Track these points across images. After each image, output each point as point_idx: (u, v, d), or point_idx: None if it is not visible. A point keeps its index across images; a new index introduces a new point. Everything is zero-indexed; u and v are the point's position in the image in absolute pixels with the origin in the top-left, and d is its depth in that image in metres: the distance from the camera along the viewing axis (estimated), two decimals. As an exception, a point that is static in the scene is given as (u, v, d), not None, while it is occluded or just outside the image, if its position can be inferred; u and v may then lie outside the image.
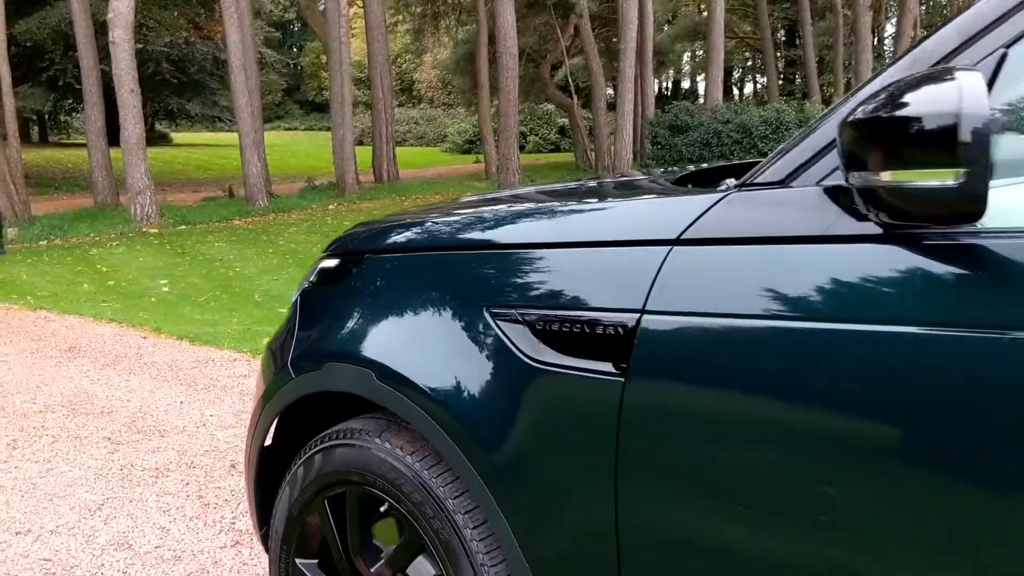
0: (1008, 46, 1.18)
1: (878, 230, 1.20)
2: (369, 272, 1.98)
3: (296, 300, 2.23)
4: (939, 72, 1.07)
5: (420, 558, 1.83)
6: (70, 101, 33.20)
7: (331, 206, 17.78)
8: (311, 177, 22.63)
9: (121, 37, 13.91)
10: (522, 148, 34.50)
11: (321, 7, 20.36)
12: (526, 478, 1.59)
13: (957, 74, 1.04)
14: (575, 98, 26.87)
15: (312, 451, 2.00)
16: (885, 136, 1.09)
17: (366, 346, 1.86)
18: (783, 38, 41.81)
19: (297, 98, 63.20)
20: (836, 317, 1.22)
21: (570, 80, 26.10)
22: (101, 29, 15.82)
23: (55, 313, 7.68)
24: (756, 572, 1.32)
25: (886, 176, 1.09)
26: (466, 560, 1.70)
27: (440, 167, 32.12)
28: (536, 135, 39.54)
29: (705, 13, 29.17)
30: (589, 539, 1.52)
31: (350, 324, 1.94)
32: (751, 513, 1.31)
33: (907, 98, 1.07)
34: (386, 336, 1.85)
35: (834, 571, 1.23)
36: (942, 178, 1.04)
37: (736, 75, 54.02)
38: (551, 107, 36.62)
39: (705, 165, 2.41)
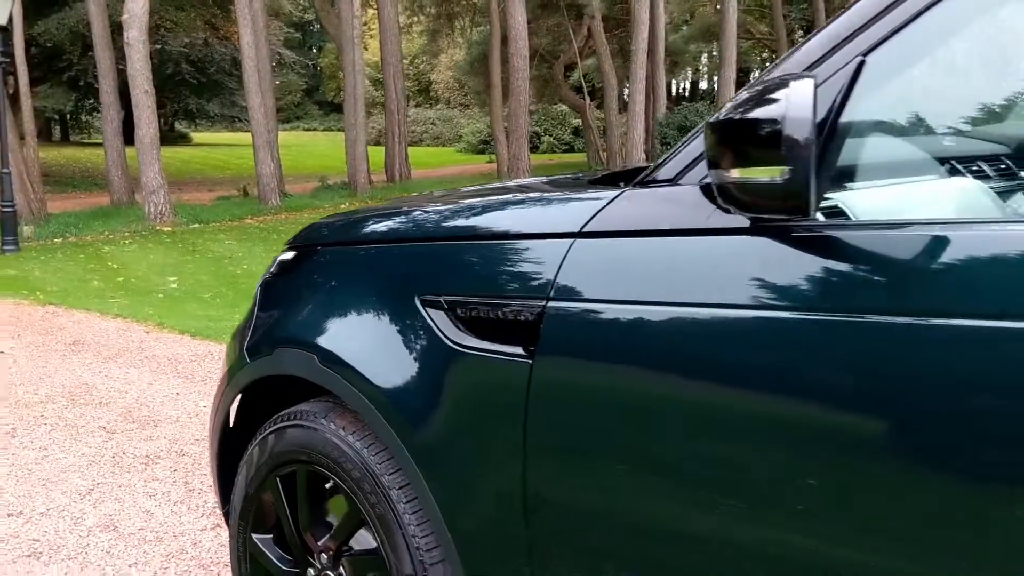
0: (865, 54, 1.29)
1: (746, 223, 1.31)
2: (318, 264, 2.12)
3: (257, 290, 2.36)
4: (778, 80, 1.18)
5: (361, 531, 1.95)
6: (90, 101, 33.55)
7: (343, 205, 17.96)
8: (324, 177, 22.84)
9: (136, 38, 14.13)
10: (536, 148, 34.62)
11: (336, 9, 20.53)
12: (447, 454, 1.70)
13: (792, 82, 1.15)
14: (588, 99, 26.97)
15: (266, 432, 2.13)
16: (733, 137, 1.20)
17: (311, 332, 1.99)
18: (800, 39, 41.71)
19: (316, 99, 63.55)
20: (711, 302, 1.33)
21: (583, 81, 26.19)
22: (118, 30, 16.03)
23: (63, 308, 7.86)
24: (648, 537, 1.43)
25: (735, 173, 1.20)
26: (399, 532, 1.82)
27: (452, 167, 32.27)
28: (550, 135, 39.64)
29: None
30: (501, 509, 1.63)
31: (299, 312, 2.07)
32: (640, 481, 1.43)
33: (751, 103, 1.18)
34: (329, 322, 1.97)
35: (713, 533, 1.34)
36: (771, 175, 1.15)
37: (754, 76, 53.95)
38: (565, 108, 36.71)
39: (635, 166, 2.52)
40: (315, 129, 59.45)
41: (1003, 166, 1.60)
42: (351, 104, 19.29)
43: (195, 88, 33.80)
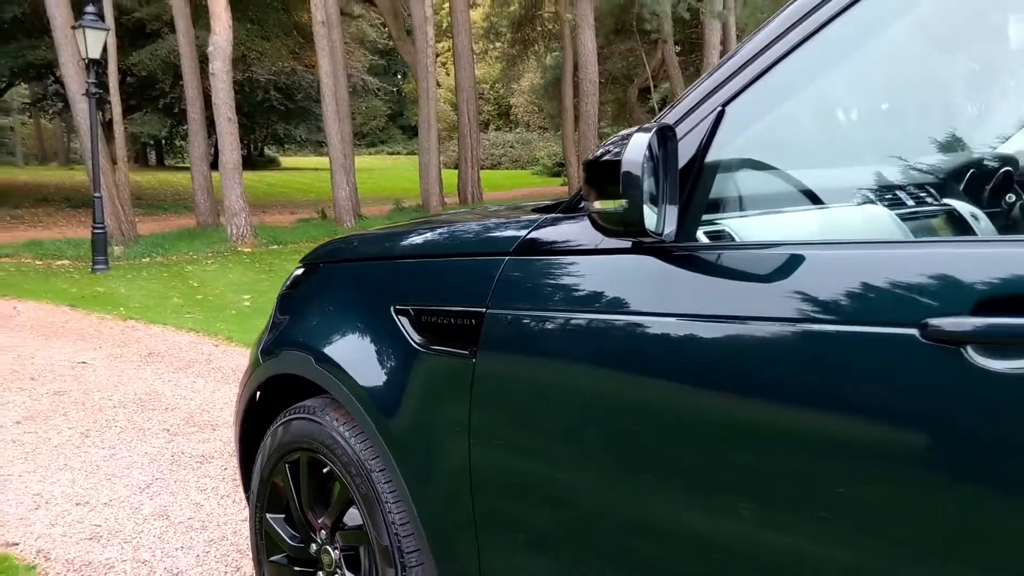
0: (725, 104, 1.56)
1: (627, 245, 1.59)
2: (319, 278, 2.46)
3: (276, 301, 2.70)
4: (631, 130, 1.46)
5: (351, 509, 2.26)
6: (184, 127, 35.03)
7: (416, 227, 18.43)
8: (400, 199, 23.45)
9: (220, 69, 14.87)
10: (612, 171, 34.70)
11: (411, 38, 21.17)
12: (412, 440, 2.01)
13: (635, 134, 1.43)
14: (662, 122, 27.04)
15: (277, 424, 2.46)
16: (593, 176, 1.49)
17: (309, 336, 2.33)
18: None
19: (400, 123, 64.76)
20: (604, 310, 1.61)
21: (655, 105, 26.37)
22: (205, 60, 16.87)
23: (143, 323, 8.42)
24: (570, 510, 1.71)
25: (597, 204, 1.49)
26: (378, 509, 2.13)
27: (525, 189, 32.68)
28: (626, 158, 39.69)
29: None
30: (453, 488, 1.93)
31: (301, 319, 2.41)
32: (561, 462, 1.71)
33: (607, 149, 1.47)
34: (324, 328, 2.30)
35: (619, 504, 1.60)
36: (616, 205, 1.43)
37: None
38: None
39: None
40: (398, 153, 60.58)
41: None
42: (425, 130, 19.86)
43: (283, 114, 35.01)
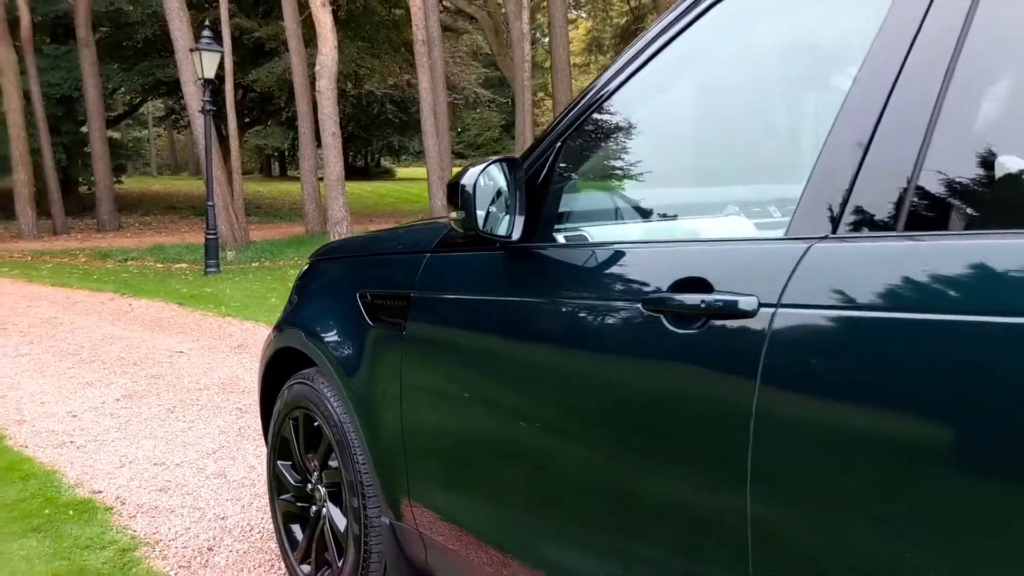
0: (564, 137, 2.10)
1: (495, 244, 2.14)
2: (317, 271, 3.08)
3: (291, 290, 3.34)
4: (480, 160, 2.01)
5: (333, 455, 2.86)
6: (302, 139, 36.81)
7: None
8: (501, 209, 24.17)
9: (325, 87, 15.87)
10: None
11: (510, 52, 21.89)
12: (365, 397, 2.59)
13: (473, 166, 1.98)
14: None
15: (285, 388, 3.09)
16: (450, 193, 2.04)
17: (303, 316, 2.95)
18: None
19: (514, 133, 65.79)
20: (478, 292, 2.17)
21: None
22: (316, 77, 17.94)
23: (238, 320, 9.29)
24: (471, 451, 2.25)
25: (453, 215, 2.05)
26: (349, 454, 2.72)
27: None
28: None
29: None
30: (390, 434, 2.50)
31: (301, 303, 3.04)
32: (462, 413, 2.27)
33: (458, 175, 2.03)
34: (313, 310, 2.92)
35: (509, 449, 2.14)
36: (458, 216, 1.99)
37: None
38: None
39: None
40: (513, 162, 61.34)
41: (655, 213, 2.35)
42: (521, 141, 20.54)
43: (397, 126, 36.39)
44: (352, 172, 38.47)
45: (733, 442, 1.51)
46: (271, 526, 3.50)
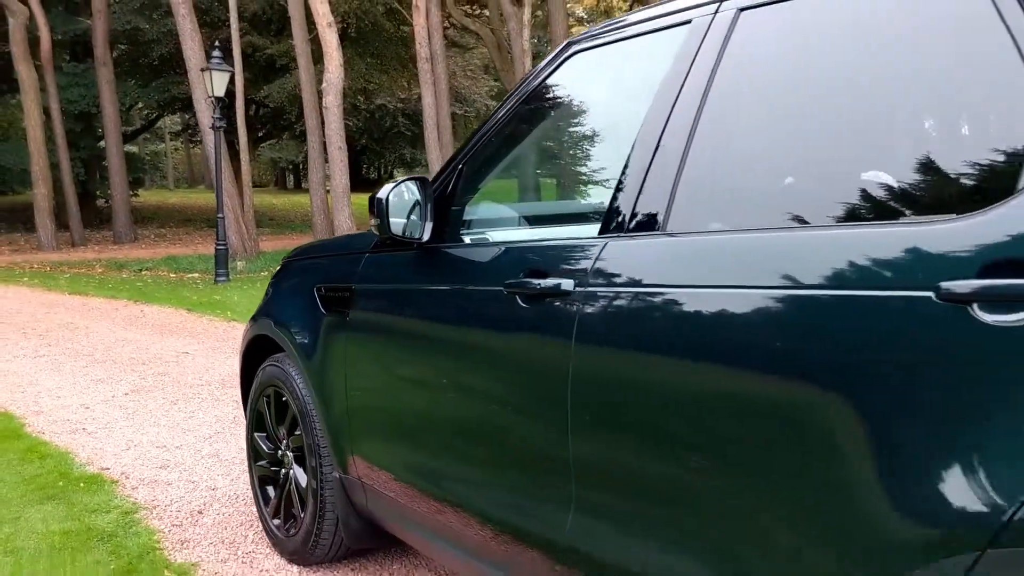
0: (463, 162, 2.66)
1: (413, 245, 2.70)
2: (286, 270, 3.65)
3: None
4: (396, 179, 2.57)
5: (297, 425, 3.42)
6: (316, 152, 37.57)
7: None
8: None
9: (332, 103, 16.52)
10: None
11: (512, 67, 22.48)
12: (321, 374, 3.15)
13: (387, 184, 2.54)
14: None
15: (260, 369, 3.65)
16: (370, 204, 2.61)
17: (273, 308, 3.52)
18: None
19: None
20: (398, 283, 2.74)
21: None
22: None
23: (242, 324, 9.86)
24: (402, 418, 2.82)
25: (373, 222, 2.61)
26: (309, 422, 3.27)
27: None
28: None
29: None
30: (337, 404, 3.06)
31: (273, 297, 3.60)
32: (386, 379, 2.83)
33: (384, 188, 2.59)
34: (281, 303, 3.49)
35: (430, 416, 2.71)
36: (375, 223, 2.55)
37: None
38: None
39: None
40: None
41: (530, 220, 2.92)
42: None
43: (410, 139, 37.06)
44: (365, 184, 39.18)
45: (558, 388, 2.06)
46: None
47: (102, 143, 26.13)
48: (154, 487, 4.45)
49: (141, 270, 16.87)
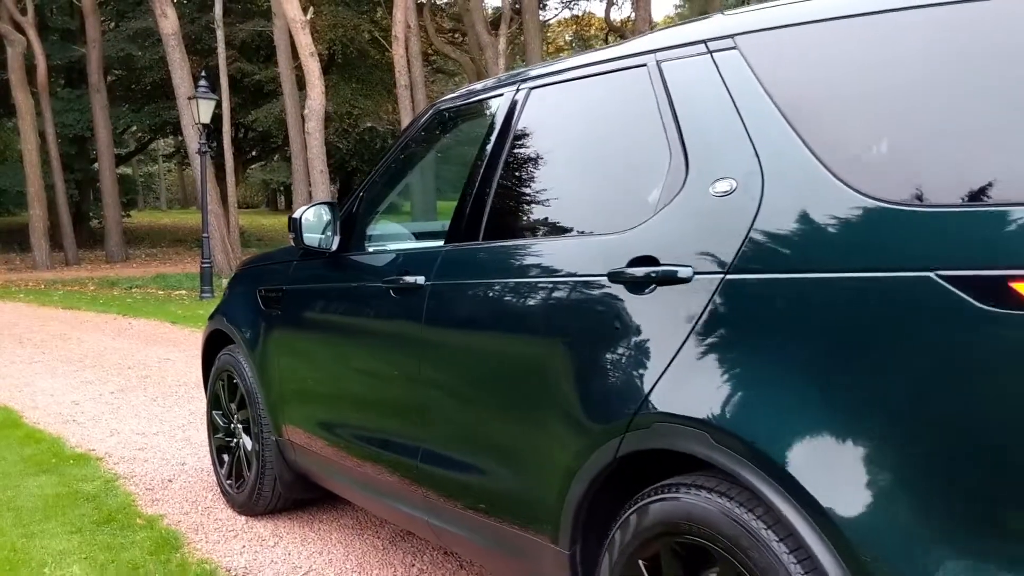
0: (363, 191, 3.51)
1: (325, 254, 3.54)
2: (239, 276, 4.49)
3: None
4: (311, 203, 3.42)
5: (245, 402, 4.24)
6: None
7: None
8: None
9: (314, 128, 17.38)
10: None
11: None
12: (261, 360, 3.98)
13: (304, 206, 3.39)
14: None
15: (217, 358, 4.47)
16: (288, 222, 3.45)
17: (226, 308, 4.36)
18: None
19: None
20: (313, 283, 3.59)
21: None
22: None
23: (222, 335, 10.69)
24: (322, 392, 3.66)
25: (292, 235, 3.45)
26: (253, 398, 4.10)
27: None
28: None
29: None
30: (271, 383, 3.90)
31: (227, 298, 4.45)
32: (306, 362, 3.68)
33: (299, 210, 3.44)
34: (232, 303, 4.33)
35: (342, 391, 3.56)
36: (293, 236, 3.40)
37: None
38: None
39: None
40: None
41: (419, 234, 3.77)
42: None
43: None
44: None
45: (415, 356, 2.91)
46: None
47: (96, 166, 26.98)
48: (132, 463, 5.26)
49: (131, 287, 17.66)
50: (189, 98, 15.62)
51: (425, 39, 26.21)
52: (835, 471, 1.77)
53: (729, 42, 2.21)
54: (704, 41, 2.28)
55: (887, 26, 1.94)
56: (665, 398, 2.08)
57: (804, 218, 1.91)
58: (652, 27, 24.54)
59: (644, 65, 2.43)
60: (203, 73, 15.72)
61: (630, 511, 2.17)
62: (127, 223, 29.67)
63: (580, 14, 32.24)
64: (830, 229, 1.86)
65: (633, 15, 22.78)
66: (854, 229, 1.81)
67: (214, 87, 18.37)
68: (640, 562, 2.14)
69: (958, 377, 1.64)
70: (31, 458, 5.37)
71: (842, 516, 1.72)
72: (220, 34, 19.20)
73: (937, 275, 1.64)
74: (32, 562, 3.73)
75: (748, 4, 20.51)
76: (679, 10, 33.87)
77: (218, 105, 17.31)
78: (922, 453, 1.67)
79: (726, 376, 1.98)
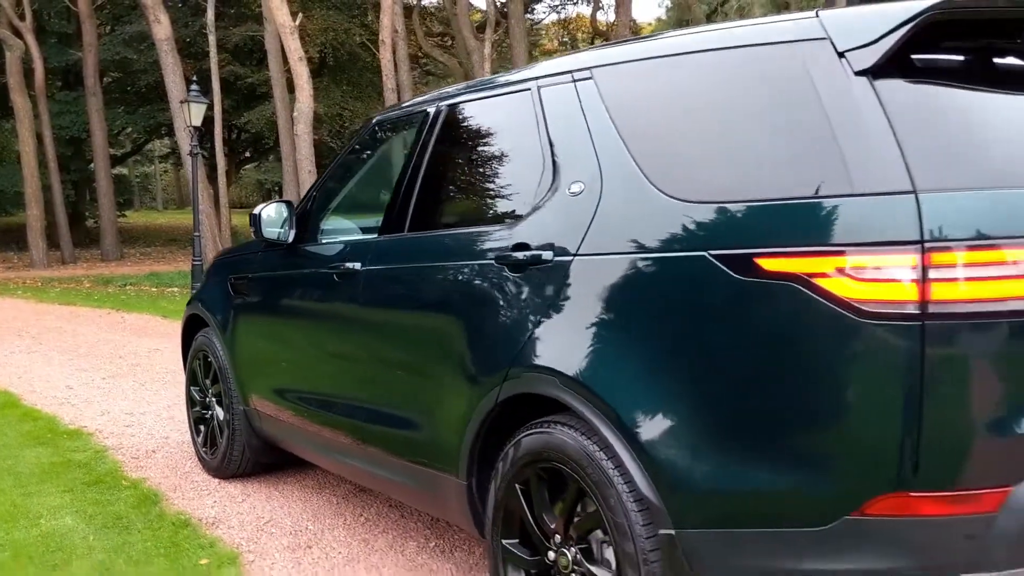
0: (316, 191, 4.08)
1: (283, 246, 4.10)
2: (214, 266, 5.06)
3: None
4: (269, 201, 3.99)
5: (217, 376, 4.80)
6: (296, 175, 39.07)
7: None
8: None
9: (303, 131, 17.92)
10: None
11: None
12: (231, 340, 4.55)
13: (266, 204, 3.96)
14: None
15: (194, 339, 5.04)
16: (249, 219, 4.03)
17: (202, 294, 4.93)
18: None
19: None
20: (272, 271, 4.16)
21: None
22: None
23: (210, 328, 11.26)
24: (277, 365, 4.23)
25: (252, 230, 4.02)
26: (224, 374, 4.66)
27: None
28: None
29: None
30: (240, 358, 4.47)
31: (203, 286, 5.02)
32: (265, 339, 4.25)
33: (258, 208, 4.01)
34: (207, 290, 4.90)
35: (290, 354, 4.14)
36: (254, 230, 3.97)
37: None
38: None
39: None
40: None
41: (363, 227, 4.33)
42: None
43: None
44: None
45: (352, 330, 3.49)
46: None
47: (92, 166, 27.52)
48: (120, 437, 5.82)
49: (125, 285, 18.20)
50: (181, 102, 16.18)
51: (414, 42, 26.79)
52: (641, 406, 2.34)
53: (588, 73, 2.78)
54: (571, 72, 2.85)
55: (676, 66, 2.54)
56: (530, 354, 2.65)
57: (627, 213, 2.48)
58: (633, 31, 25.13)
59: (529, 89, 3.00)
60: (195, 78, 16.28)
61: (509, 446, 2.73)
62: (123, 223, 30.22)
63: (567, 17, 32.82)
64: (644, 221, 2.43)
65: (615, 20, 23.36)
66: (659, 221, 2.38)
67: (207, 90, 18.93)
68: (516, 486, 2.71)
69: (726, 330, 2.21)
70: (29, 433, 5.92)
71: (645, 439, 2.29)
72: (212, 39, 19.76)
73: (709, 254, 2.21)
74: (30, 514, 4.29)
75: (717, 16, 20.97)
76: (669, 14, 34.47)
77: (210, 107, 17.87)
78: (697, 388, 2.24)
79: (572, 335, 2.55)
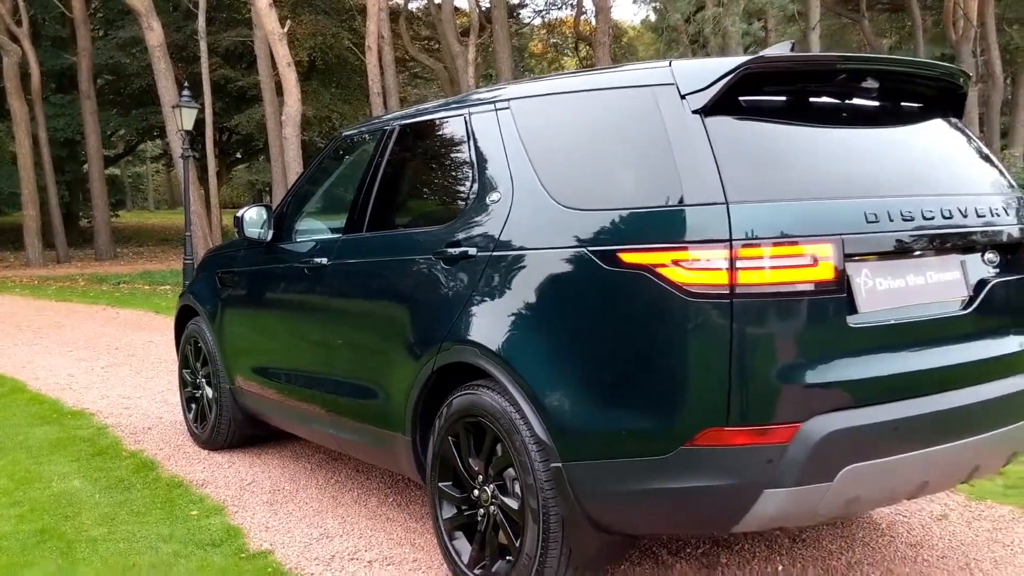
0: (291, 196, 4.72)
1: (263, 244, 4.73)
2: (204, 262, 5.70)
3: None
4: (251, 205, 4.62)
5: (207, 360, 5.43)
6: (286, 175, 39.64)
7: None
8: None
9: (291, 134, 18.54)
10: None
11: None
12: (219, 328, 5.19)
13: (247, 208, 4.60)
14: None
15: (186, 328, 5.67)
16: (234, 220, 4.66)
17: (193, 287, 5.58)
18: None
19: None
20: (253, 266, 4.80)
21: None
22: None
23: (201, 323, 11.88)
24: (259, 346, 4.87)
25: (235, 230, 4.66)
26: (213, 357, 5.30)
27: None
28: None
29: None
30: (226, 344, 5.11)
31: (194, 279, 5.66)
32: (248, 325, 4.89)
33: (241, 210, 4.65)
34: (198, 283, 5.54)
35: (268, 338, 4.79)
36: (237, 229, 4.61)
37: None
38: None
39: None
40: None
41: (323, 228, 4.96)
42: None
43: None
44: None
45: (321, 316, 4.14)
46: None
47: (85, 167, 28.08)
48: (119, 417, 6.45)
49: (119, 283, 18.79)
50: (173, 107, 16.78)
51: (401, 46, 27.40)
52: (539, 370, 2.99)
53: (507, 104, 3.44)
54: (494, 102, 3.50)
55: (568, 101, 3.21)
56: (459, 330, 3.30)
57: (531, 218, 3.14)
58: (615, 36, 25.80)
59: (463, 115, 3.64)
60: (186, 83, 16.89)
61: (443, 406, 3.38)
62: (116, 223, 30.81)
63: (551, 21, 33.46)
64: (543, 225, 3.08)
65: (596, 26, 23.99)
66: (554, 224, 3.03)
67: (198, 94, 19.53)
68: (449, 438, 3.36)
69: (598, 309, 2.86)
70: (36, 414, 6.55)
71: (541, 395, 2.94)
72: (203, 44, 20.38)
73: (588, 250, 2.86)
74: (43, 478, 4.92)
75: (692, 22, 21.39)
76: (643, 22, 35.04)
77: (201, 110, 18.44)
78: (578, 354, 2.90)
79: (490, 315, 3.20)
